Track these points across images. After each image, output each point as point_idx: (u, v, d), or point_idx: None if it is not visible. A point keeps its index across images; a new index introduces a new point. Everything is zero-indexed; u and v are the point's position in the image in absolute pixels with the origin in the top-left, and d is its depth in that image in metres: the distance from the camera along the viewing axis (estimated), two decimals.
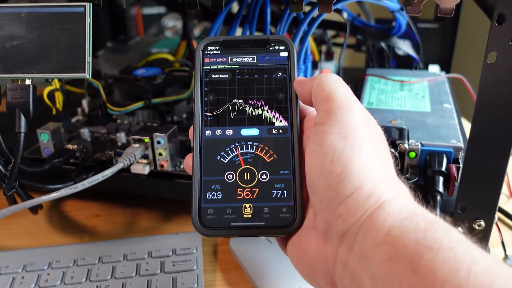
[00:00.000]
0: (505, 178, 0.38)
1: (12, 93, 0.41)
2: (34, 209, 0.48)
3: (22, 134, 0.41)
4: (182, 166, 0.49)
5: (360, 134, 0.27)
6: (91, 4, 0.41)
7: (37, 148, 0.54)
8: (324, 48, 0.77)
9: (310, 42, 0.65)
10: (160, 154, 0.47)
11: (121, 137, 0.53)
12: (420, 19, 0.73)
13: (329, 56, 0.76)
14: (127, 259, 0.45)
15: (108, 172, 0.44)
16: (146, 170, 0.48)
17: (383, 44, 0.69)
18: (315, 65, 0.67)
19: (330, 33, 0.77)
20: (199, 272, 0.43)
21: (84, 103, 0.61)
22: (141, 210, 0.55)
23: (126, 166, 0.46)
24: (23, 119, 0.42)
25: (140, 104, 0.55)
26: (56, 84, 0.55)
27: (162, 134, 0.46)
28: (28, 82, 0.42)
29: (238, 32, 0.56)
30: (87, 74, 0.41)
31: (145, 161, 0.48)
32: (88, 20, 0.41)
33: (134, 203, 0.56)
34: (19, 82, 0.41)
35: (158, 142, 0.47)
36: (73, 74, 0.41)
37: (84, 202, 0.56)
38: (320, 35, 0.75)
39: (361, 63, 0.93)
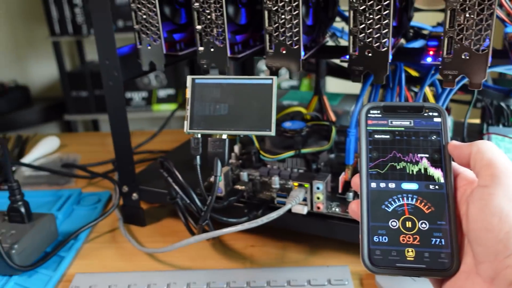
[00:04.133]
0: None
1: (212, 144, 0.53)
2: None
3: (218, 177, 0.53)
4: (334, 208, 0.58)
5: None
6: (277, 77, 0.52)
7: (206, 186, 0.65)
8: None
9: (430, 98, 0.73)
10: (318, 198, 0.56)
11: (276, 180, 0.63)
12: None
13: (446, 111, 0.83)
14: (290, 285, 0.54)
15: (281, 211, 0.54)
16: (304, 210, 0.57)
17: (503, 104, 0.75)
18: None
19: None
20: None
21: (236, 148, 0.73)
22: (289, 243, 0.64)
23: (291, 207, 0.55)
24: (219, 165, 0.53)
25: (291, 153, 0.65)
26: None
27: (321, 181, 0.56)
28: (224, 136, 0.53)
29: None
30: (273, 132, 0.51)
31: (303, 202, 0.57)
32: (274, 89, 0.52)
33: (282, 237, 0.65)
34: (217, 136, 0.53)
35: (318, 188, 0.56)
36: (261, 132, 0.51)
37: (240, 234, 0.66)
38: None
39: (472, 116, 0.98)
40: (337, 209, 0.58)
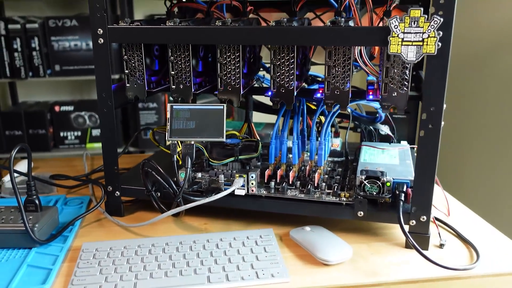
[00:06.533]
0: (446, 202, 0.77)
1: (185, 148, 0.81)
2: (178, 215, 0.85)
3: (188, 169, 0.80)
4: (262, 191, 0.88)
5: None
6: (226, 105, 0.82)
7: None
8: (333, 129, 1.18)
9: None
10: (252, 184, 0.86)
11: (221, 178, 0.92)
12: (394, 113, 1.14)
13: (336, 134, 1.17)
14: (235, 240, 0.82)
15: (229, 190, 0.82)
16: (243, 192, 0.86)
17: (371, 127, 1.10)
18: None
19: (337, 119, 1.18)
20: (276, 246, 0.80)
21: None
22: (231, 220, 0.92)
23: (234, 190, 0.84)
24: (189, 161, 0.81)
25: (232, 159, 0.94)
26: (179, 145, 0.94)
27: (254, 173, 0.85)
28: (192, 142, 0.81)
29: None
30: (224, 139, 0.81)
31: (242, 188, 0.86)
32: (225, 112, 0.81)
33: (226, 217, 0.93)
34: (188, 143, 0.81)
35: (252, 177, 0.86)
36: (216, 139, 0.81)
37: (195, 215, 0.93)
38: None
39: (356, 139, 1.34)
40: (264, 192, 0.88)
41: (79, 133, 2.68)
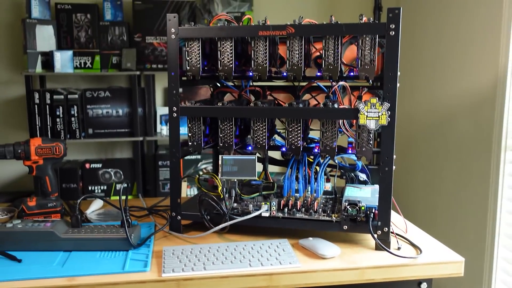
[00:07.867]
0: (405, 224, 1.22)
1: (230, 183, 1.25)
2: (223, 230, 1.28)
3: (233, 197, 1.24)
4: (279, 214, 1.31)
5: None
6: (257, 155, 1.27)
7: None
8: (325, 176, 1.63)
9: None
10: (273, 208, 1.29)
11: (251, 206, 1.35)
12: (369, 164, 1.60)
13: (327, 180, 1.62)
14: (262, 245, 1.24)
15: (257, 213, 1.26)
16: (267, 214, 1.29)
17: (353, 174, 1.55)
18: None
19: (329, 169, 1.64)
20: (290, 248, 1.23)
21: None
22: (259, 236, 1.34)
23: (260, 213, 1.28)
24: (234, 192, 1.25)
25: (257, 194, 1.38)
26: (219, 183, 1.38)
27: (275, 201, 1.29)
28: (235, 180, 1.26)
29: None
30: (255, 177, 1.25)
31: (266, 212, 1.30)
32: (256, 160, 1.27)
33: (255, 233, 1.35)
34: (232, 180, 1.25)
35: (273, 203, 1.29)
36: (251, 177, 1.25)
37: (233, 234, 1.35)
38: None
39: (343, 183, 1.79)
40: (280, 214, 1.31)
41: (105, 187, 3.09)
